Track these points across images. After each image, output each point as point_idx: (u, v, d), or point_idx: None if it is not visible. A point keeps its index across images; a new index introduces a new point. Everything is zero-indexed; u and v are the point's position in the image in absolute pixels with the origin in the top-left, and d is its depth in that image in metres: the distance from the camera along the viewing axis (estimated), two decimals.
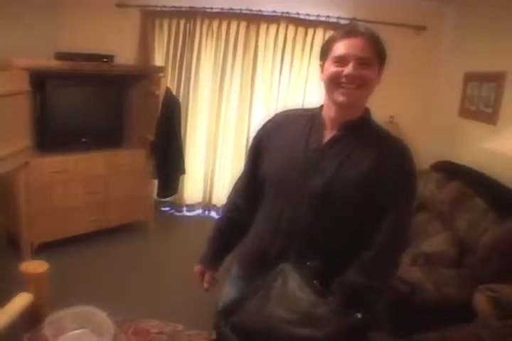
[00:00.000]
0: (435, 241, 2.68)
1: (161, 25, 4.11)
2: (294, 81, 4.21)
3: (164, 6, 3.99)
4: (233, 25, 4.10)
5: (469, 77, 3.63)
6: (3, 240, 3.40)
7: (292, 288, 1.13)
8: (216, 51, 4.19)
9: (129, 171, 3.74)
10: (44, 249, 3.26)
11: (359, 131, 1.30)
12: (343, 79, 1.23)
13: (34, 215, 3.24)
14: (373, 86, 1.27)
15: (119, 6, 3.95)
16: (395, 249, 1.29)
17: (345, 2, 4.01)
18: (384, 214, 1.24)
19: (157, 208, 4.36)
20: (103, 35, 3.90)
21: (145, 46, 4.10)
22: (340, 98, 1.25)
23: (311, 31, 4.06)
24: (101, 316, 1.27)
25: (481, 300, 2.16)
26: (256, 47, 4.15)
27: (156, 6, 4.01)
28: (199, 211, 4.58)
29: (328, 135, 1.31)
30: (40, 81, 3.19)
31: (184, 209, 4.55)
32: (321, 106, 1.37)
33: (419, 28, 4.00)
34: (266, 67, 4.22)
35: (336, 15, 3.94)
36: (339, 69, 1.23)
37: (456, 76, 3.76)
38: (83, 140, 3.57)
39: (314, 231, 1.27)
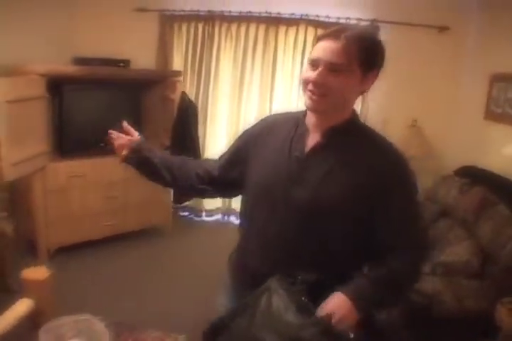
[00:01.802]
0: (456, 250, 2.56)
1: (180, 29, 4.10)
2: None
3: (183, 10, 3.99)
4: (252, 28, 4.07)
5: (495, 78, 3.49)
6: (20, 245, 3.42)
7: (277, 308, 1.07)
8: (235, 54, 4.16)
9: None
10: (60, 254, 3.28)
11: (345, 137, 1.22)
12: (310, 86, 1.16)
13: (51, 220, 3.26)
14: (345, 94, 1.17)
15: (138, 10, 3.96)
16: (416, 236, 1.24)
17: (366, 3, 3.93)
18: (383, 221, 1.18)
19: (176, 213, 4.34)
20: (122, 39, 3.92)
21: (164, 50, 4.10)
22: (308, 103, 1.19)
23: None
24: (99, 326, 1.24)
25: (504, 314, 2.06)
26: (275, 50, 4.11)
27: (174, 10, 4.01)
28: (218, 216, 4.53)
29: (312, 142, 1.23)
30: (57, 86, 3.21)
31: (203, 214, 4.51)
32: (305, 111, 1.29)
33: (442, 29, 3.88)
34: (286, 71, 4.17)
35: (357, 17, 3.86)
36: (310, 73, 1.16)
37: (481, 77, 3.62)
38: (101, 144, 3.57)
39: (304, 244, 1.20)
